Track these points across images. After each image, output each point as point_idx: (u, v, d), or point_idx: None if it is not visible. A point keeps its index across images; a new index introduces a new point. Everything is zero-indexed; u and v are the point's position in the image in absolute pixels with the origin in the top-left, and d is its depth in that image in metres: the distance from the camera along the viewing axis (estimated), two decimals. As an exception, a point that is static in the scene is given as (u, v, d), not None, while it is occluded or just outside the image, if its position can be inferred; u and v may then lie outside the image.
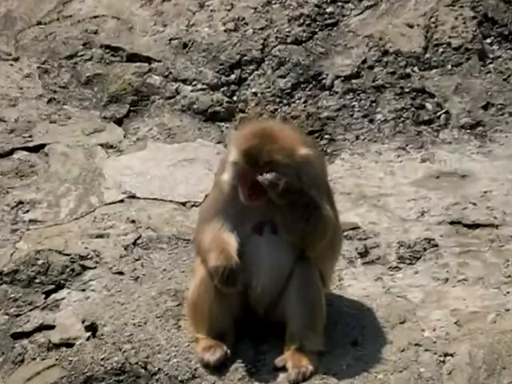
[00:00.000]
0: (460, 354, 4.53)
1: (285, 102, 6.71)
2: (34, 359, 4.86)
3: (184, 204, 5.85)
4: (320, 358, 4.59)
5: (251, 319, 4.66)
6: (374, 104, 6.70)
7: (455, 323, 4.75)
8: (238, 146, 4.46)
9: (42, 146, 6.32)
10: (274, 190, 4.39)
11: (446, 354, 4.56)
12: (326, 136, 6.54)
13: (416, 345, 4.63)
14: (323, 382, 4.50)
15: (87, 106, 6.77)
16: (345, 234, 5.44)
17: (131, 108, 6.72)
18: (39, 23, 7.18)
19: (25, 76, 6.92)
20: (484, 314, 4.79)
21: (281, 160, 4.39)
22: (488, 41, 7.04)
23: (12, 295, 5.18)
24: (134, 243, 5.47)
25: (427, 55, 6.92)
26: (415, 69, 6.85)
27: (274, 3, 7.10)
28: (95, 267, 5.29)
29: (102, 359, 4.72)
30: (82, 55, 6.97)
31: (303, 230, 4.47)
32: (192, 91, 6.78)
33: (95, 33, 7.07)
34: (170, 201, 5.87)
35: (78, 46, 6.99)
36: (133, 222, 5.65)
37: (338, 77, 6.79)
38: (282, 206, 4.48)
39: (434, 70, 6.87)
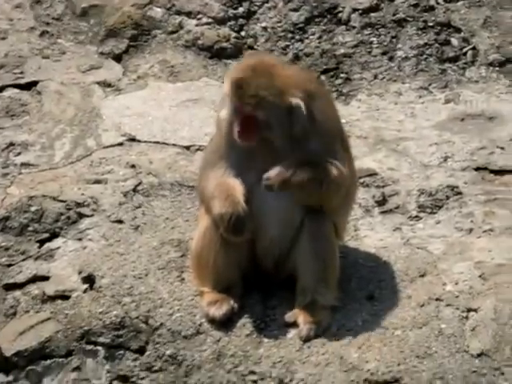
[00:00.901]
0: (484, 310, 4.54)
1: (297, 37, 6.66)
2: (27, 312, 4.90)
3: (188, 148, 5.85)
4: (333, 313, 4.62)
5: (259, 272, 4.68)
6: (394, 40, 6.65)
7: (480, 276, 4.76)
8: (229, 77, 4.46)
9: (34, 83, 6.30)
10: (265, 129, 4.37)
11: (469, 310, 4.58)
12: (342, 75, 6.51)
13: (437, 299, 4.65)
14: (336, 338, 4.53)
15: (83, 40, 6.74)
16: (361, 180, 5.44)
17: (131, 43, 6.68)
18: None
19: (15, 6, 6.89)
20: (511, 267, 4.79)
21: (268, 98, 4.35)
22: (522, -32, 6.95)
23: (3, 244, 5.20)
24: (134, 190, 5.48)
25: (453, -15, 6.87)
26: (440, 0, 6.80)
27: None
28: (92, 215, 5.30)
29: (100, 313, 4.75)
30: (77, -16, 6.95)
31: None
32: (197, 25, 6.74)
33: (92, -42, 7.03)
34: (173, 144, 5.87)
35: (73, -27, 6.97)
36: (133, 166, 5.65)
37: (355, 10, 6.74)
38: (290, 159, 4.46)
39: (461, 2, 6.81)
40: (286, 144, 4.45)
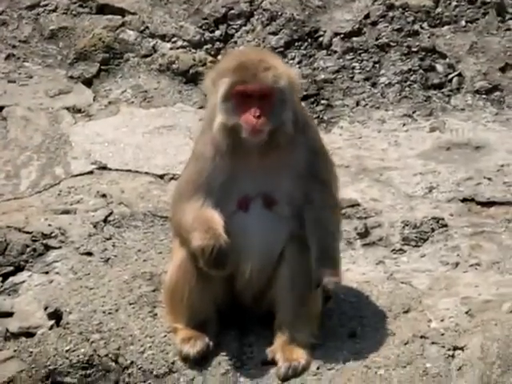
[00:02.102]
0: (471, 348, 4.53)
1: (276, 62, 6.69)
2: (-11, 350, 4.86)
3: (161, 177, 5.85)
4: (313, 351, 4.60)
5: (236, 307, 4.67)
6: (377, 65, 6.69)
7: (466, 313, 4.76)
8: (225, 71, 4.44)
9: (0, 108, 6.30)
10: (280, 110, 4.37)
11: (455, 348, 4.57)
12: (323, 101, 6.54)
13: (422, 337, 4.64)
14: (317, 378, 4.52)
15: (51, 63, 6.75)
16: (343, 211, 5.45)
17: (102, 67, 6.70)
18: (-4, -32, 7.15)
19: (-21, 28, 6.92)
20: (499, 303, 4.79)
21: (280, 68, 4.42)
22: (508, -7, 7.04)
23: (-35, 277, 5.17)
24: (105, 220, 5.47)
25: (438, 10, 6.92)
26: (424, 25, 6.85)
27: (266, -51, 7.07)
28: (60, 247, 5.28)
29: (66, 351, 4.72)
30: (45, 5, 6.96)
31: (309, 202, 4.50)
32: (171, 49, 6.76)
33: (61, -21, 7.05)
34: (146, 173, 5.87)
35: (40, -6, 6.99)
36: (103, 196, 5.64)
37: (336, 34, 6.79)
38: (276, 173, 4.47)
39: (446, 27, 6.87)
40: (284, 144, 4.46)
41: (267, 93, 4.39)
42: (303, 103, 6.48)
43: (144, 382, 4.60)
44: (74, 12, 6.93)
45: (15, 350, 4.80)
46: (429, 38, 6.80)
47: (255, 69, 4.39)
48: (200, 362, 4.56)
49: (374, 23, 6.83)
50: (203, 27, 6.85)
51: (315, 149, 4.57)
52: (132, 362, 4.64)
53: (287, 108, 4.44)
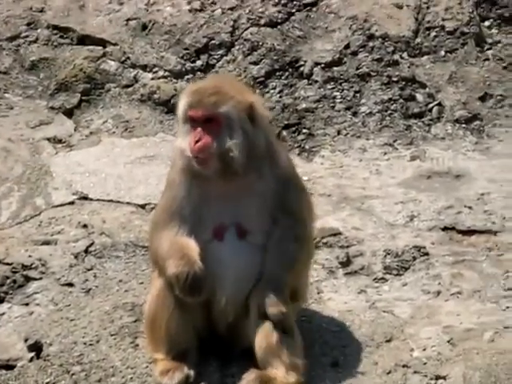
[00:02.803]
0: (453, 377, 4.53)
1: (258, 91, 6.71)
2: (-32, 383, 4.81)
3: (143, 207, 5.84)
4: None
5: (216, 337, 4.63)
6: (357, 95, 6.72)
7: (448, 342, 4.75)
8: (183, 95, 4.50)
9: (-20, 139, 6.31)
10: (226, 135, 4.37)
11: (437, 377, 4.57)
12: (304, 130, 6.55)
13: (404, 366, 4.63)
14: (299, 408, 4.49)
15: (32, 94, 6.75)
16: (324, 240, 5.45)
17: (83, 97, 6.70)
18: (-24, 0, 7.16)
19: (-41, 59, 6.91)
20: (480, 332, 4.80)
21: (230, 93, 4.42)
22: (486, 24, 7.08)
23: None
24: (86, 251, 5.45)
25: (418, 40, 6.96)
26: (404, 55, 6.89)
27: (246, -20, 7.11)
28: (40, 278, 5.25)
29: (47, 383, 4.67)
30: (25, 36, 6.96)
31: (278, 232, 4.47)
32: (152, 79, 6.77)
33: (41, 11, 7.04)
34: (127, 203, 5.86)
35: (21, 25, 6.96)
36: (84, 226, 5.62)
37: (317, 64, 6.81)
38: (246, 202, 4.46)
39: (426, 57, 6.91)
40: (244, 169, 4.43)
41: (210, 117, 4.41)
42: (284, 133, 6.50)
43: (126, 414, 4.57)
44: (54, 43, 6.93)
45: (-6, 383, 4.77)
46: (409, 67, 6.84)
47: (202, 94, 4.42)
48: (180, 393, 4.55)
49: (355, 53, 6.86)
50: (184, 57, 6.87)
51: (284, 177, 4.54)
52: (113, 394, 4.61)
53: (235, 134, 4.42)
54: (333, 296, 5.16)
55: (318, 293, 5.16)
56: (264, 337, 4.45)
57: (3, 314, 5.08)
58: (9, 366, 4.82)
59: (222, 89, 4.46)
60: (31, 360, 4.79)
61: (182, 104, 4.48)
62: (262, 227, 4.50)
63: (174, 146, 4.66)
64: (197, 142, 4.39)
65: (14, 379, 4.75)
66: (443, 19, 7.00)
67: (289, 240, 4.52)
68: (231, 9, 7.00)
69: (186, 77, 6.80)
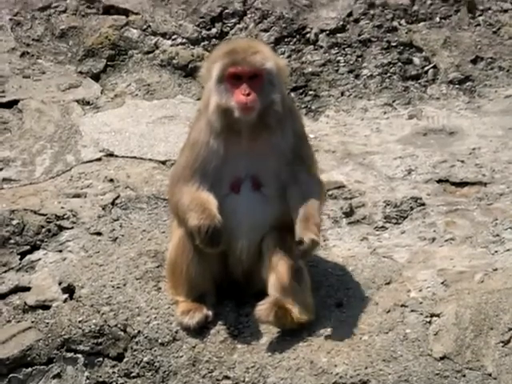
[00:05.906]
0: (447, 315, 4.54)
1: (268, 56, 6.67)
2: (9, 321, 4.86)
3: (164, 163, 5.84)
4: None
5: (231, 282, 4.66)
6: (359, 59, 6.67)
7: (442, 283, 4.76)
8: (217, 57, 4.44)
9: (16, 101, 6.26)
10: (268, 90, 4.35)
11: (432, 315, 4.58)
12: (311, 92, 6.52)
13: (402, 306, 4.65)
14: (307, 344, 4.53)
15: (62, 60, 6.71)
16: (330, 193, 5.44)
17: (108, 63, 6.67)
18: (10, -27, 7.10)
19: (-4, 28, 6.88)
20: (471, 274, 4.80)
21: (268, 52, 4.42)
22: (478, -8, 7.01)
23: (-15, 256, 5.16)
24: (113, 203, 5.45)
25: (415, 7, 6.89)
26: (402, 22, 6.83)
27: (258, -48, 7.03)
28: (72, 227, 5.27)
29: (79, 322, 4.72)
30: (56, 7, 6.90)
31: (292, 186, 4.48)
32: (172, 45, 6.73)
33: (70, -17, 7.00)
34: (150, 159, 5.85)
35: (51, -4, 6.94)
36: (111, 181, 5.63)
37: (322, 30, 6.76)
38: (264, 156, 4.46)
39: (422, 23, 6.84)
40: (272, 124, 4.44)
41: (256, 73, 4.38)
42: (292, 94, 6.48)
43: (150, 349, 4.61)
44: (82, 13, 6.89)
45: (33, 321, 4.82)
46: (406, 33, 6.78)
47: (244, 52, 4.39)
48: (200, 331, 4.57)
49: (357, 20, 6.81)
50: (200, 25, 6.82)
51: (299, 133, 4.56)
52: (139, 332, 4.65)
53: (276, 89, 4.42)
54: (337, 243, 5.17)
55: (324, 240, 5.16)
56: (278, 279, 4.47)
57: (39, 259, 5.13)
58: (45, 307, 4.87)
59: (261, 48, 4.44)
60: (65, 301, 4.84)
61: (218, 64, 4.40)
62: (277, 179, 4.50)
63: (202, 104, 4.55)
64: (247, 94, 4.34)
65: (49, 318, 4.80)
66: (438, -12, 6.93)
67: (311, 186, 4.52)
68: (243, -20, 6.95)
69: (202, 43, 6.76)
